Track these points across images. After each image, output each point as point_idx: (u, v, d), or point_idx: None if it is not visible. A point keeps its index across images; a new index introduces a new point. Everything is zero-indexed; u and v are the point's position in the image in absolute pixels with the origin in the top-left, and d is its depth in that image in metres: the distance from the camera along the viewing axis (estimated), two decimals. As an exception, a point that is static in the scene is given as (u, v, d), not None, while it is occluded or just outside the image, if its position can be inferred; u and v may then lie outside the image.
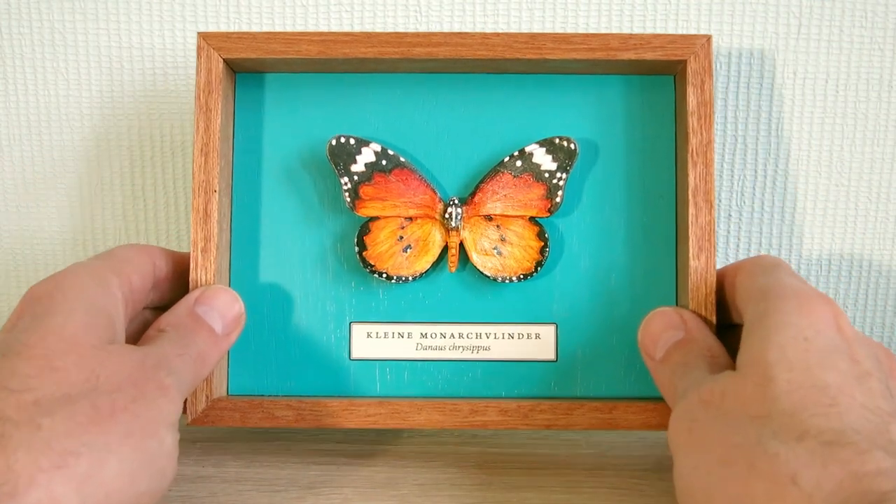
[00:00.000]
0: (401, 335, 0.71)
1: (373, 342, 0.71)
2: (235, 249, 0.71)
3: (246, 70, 0.70)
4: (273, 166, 0.71)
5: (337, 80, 0.70)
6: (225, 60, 0.67)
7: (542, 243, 0.69)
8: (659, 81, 0.70)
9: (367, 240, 0.69)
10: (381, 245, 0.69)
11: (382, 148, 0.69)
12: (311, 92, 0.71)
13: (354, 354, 0.71)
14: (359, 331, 0.71)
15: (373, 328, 0.71)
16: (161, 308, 0.64)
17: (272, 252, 0.71)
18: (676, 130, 0.70)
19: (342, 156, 0.69)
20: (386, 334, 0.71)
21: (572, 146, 0.68)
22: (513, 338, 0.71)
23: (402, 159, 0.69)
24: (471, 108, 0.71)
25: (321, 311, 0.71)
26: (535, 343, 0.70)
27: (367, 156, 0.69)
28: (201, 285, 0.65)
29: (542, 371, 0.70)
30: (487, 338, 0.71)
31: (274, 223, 0.71)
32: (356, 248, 0.69)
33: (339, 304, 0.71)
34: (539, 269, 0.69)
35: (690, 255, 0.66)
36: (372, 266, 0.69)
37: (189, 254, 0.67)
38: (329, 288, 0.71)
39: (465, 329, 0.71)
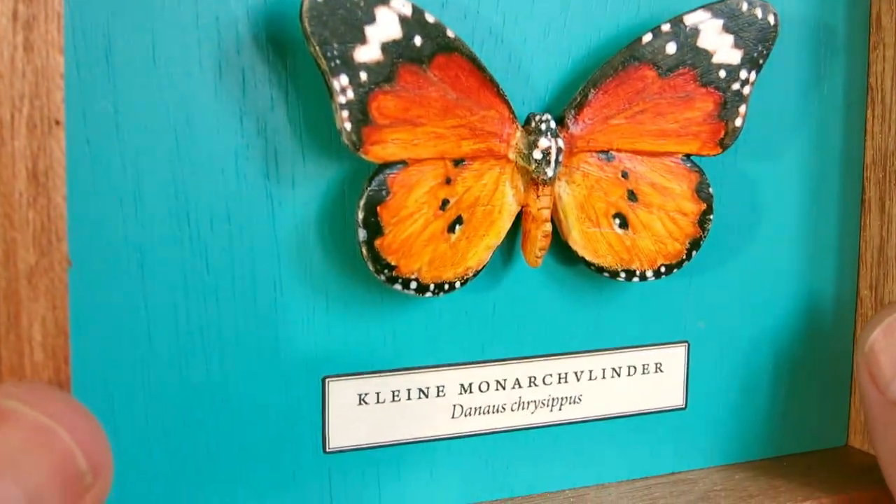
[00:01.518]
0: (424, 393, 0.34)
1: (370, 413, 0.33)
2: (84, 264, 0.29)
3: None
4: (164, 54, 0.30)
5: None
6: None
7: (704, 205, 0.35)
8: None
9: (383, 213, 0.31)
10: (412, 220, 0.32)
11: (416, 7, 0.30)
12: None
13: (333, 443, 0.33)
14: (341, 392, 0.33)
15: (369, 384, 0.33)
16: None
17: (169, 248, 0.31)
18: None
19: (339, 25, 0.29)
20: (396, 394, 0.34)
21: (770, 18, 0.34)
22: (619, 374, 0.37)
23: (450, 34, 0.31)
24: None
25: (264, 359, 0.33)
26: (654, 380, 0.37)
27: (387, 24, 0.30)
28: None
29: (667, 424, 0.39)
30: (579, 379, 0.37)
31: (168, 180, 0.31)
32: (362, 235, 0.31)
33: (301, 342, 0.33)
34: (695, 252, 0.36)
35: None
36: (393, 268, 0.31)
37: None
38: (283, 312, 0.33)
39: (542, 367, 0.36)
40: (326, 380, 0.34)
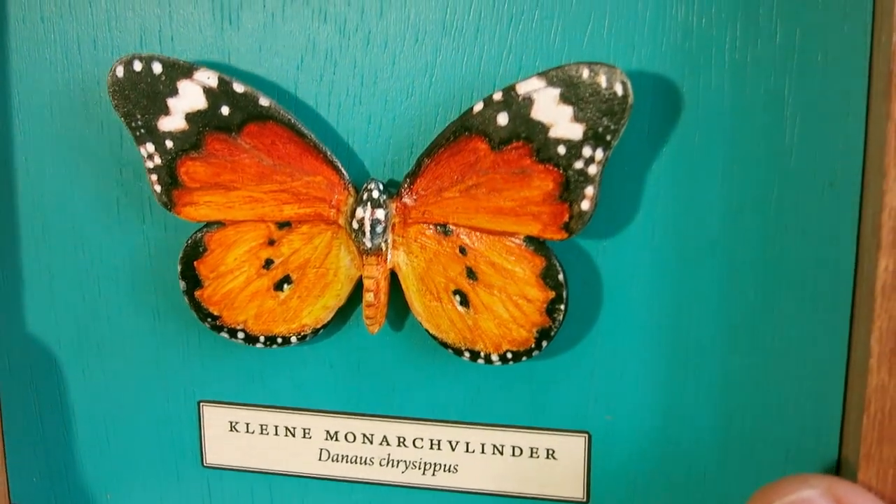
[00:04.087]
0: (290, 432, 0.36)
1: (241, 439, 0.36)
2: None
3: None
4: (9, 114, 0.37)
5: None
6: None
7: (551, 294, 0.31)
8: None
9: (200, 268, 0.33)
10: (232, 276, 0.34)
11: (222, 79, 0.31)
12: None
13: (210, 458, 0.37)
14: (215, 417, 0.36)
15: (241, 414, 0.36)
16: None
17: (32, 279, 0.38)
18: (872, 52, 0.29)
19: (140, 99, 0.32)
20: (265, 427, 0.36)
21: (618, 88, 0.29)
22: (502, 452, 0.34)
23: (264, 102, 0.32)
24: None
25: (144, 381, 0.38)
26: (546, 466, 0.34)
27: (190, 96, 0.32)
28: None
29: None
30: (454, 448, 0.35)
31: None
32: (182, 285, 0.34)
33: (176, 367, 0.38)
34: (545, 342, 0.32)
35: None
36: (216, 318, 0.34)
37: None
38: (152, 336, 0.38)
39: (414, 430, 0.35)
40: (201, 403, 0.38)
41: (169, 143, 0.33)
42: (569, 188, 0.31)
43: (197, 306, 0.35)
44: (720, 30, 0.31)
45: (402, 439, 0.36)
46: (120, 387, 0.38)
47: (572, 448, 0.35)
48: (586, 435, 0.35)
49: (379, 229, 0.32)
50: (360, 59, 0.33)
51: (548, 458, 0.35)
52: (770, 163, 0.31)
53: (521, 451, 0.35)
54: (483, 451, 0.36)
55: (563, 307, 0.32)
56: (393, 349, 0.35)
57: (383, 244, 0.33)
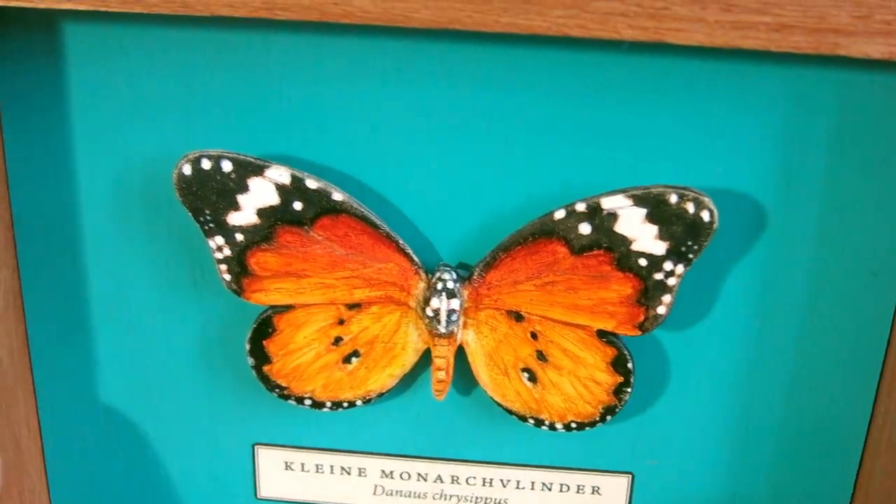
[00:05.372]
0: (346, 471, 0.38)
1: (296, 476, 0.38)
2: (37, 348, 0.38)
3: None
4: (89, 205, 0.36)
5: (206, 37, 0.29)
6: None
7: (620, 378, 0.34)
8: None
9: (269, 346, 0.34)
10: (301, 353, 0.35)
11: (295, 175, 0.31)
12: (158, 58, 0.33)
13: (264, 492, 0.39)
14: (270, 458, 0.38)
15: (295, 456, 0.38)
16: None
17: (112, 345, 0.38)
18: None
19: (208, 195, 0.31)
20: (320, 467, 0.38)
21: (705, 215, 0.30)
22: (550, 489, 0.38)
23: (337, 196, 0.32)
24: (486, 104, 0.32)
25: (200, 429, 0.39)
26: (591, 502, 0.38)
27: (262, 192, 0.32)
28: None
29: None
30: (505, 486, 0.38)
31: (105, 302, 0.37)
32: (250, 361, 0.34)
33: (231, 414, 0.39)
34: (609, 416, 0.34)
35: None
36: (283, 388, 0.35)
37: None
38: (214, 390, 0.39)
39: (467, 470, 0.38)
40: (256, 446, 0.39)
41: (239, 237, 0.33)
42: (647, 295, 0.32)
43: (265, 379, 0.35)
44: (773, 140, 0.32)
45: (455, 478, 0.38)
46: (175, 432, 0.38)
47: (616, 487, 0.38)
48: (630, 475, 0.38)
49: (454, 318, 0.34)
50: (428, 146, 0.33)
51: (593, 493, 0.38)
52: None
53: (569, 487, 0.38)
54: (532, 488, 0.38)
55: (629, 389, 0.34)
56: (450, 399, 0.37)
57: (455, 328, 0.34)
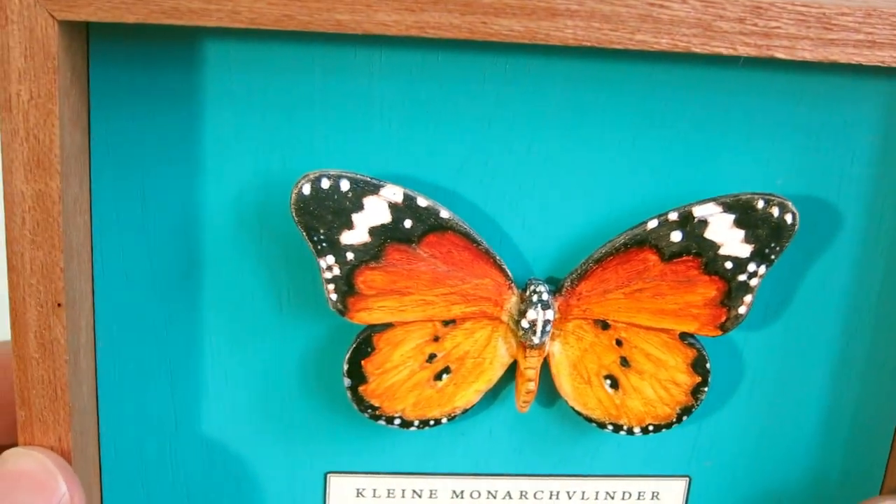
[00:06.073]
0: (417, 494, 0.39)
1: (368, 502, 0.39)
2: (105, 373, 0.37)
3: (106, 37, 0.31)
4: (179, 230, 0.36)
5: (310, 55, 0.31)
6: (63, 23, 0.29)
7: (698, 378, 0.36)
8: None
9: (367, 366, 0.35)
10: (397, 371, 0.36)
11: (407, 194, 0.32)
12: (271, 80, 0.34)
13: (334, 521, 0.39)
14: (342, 485, 0.38)
15: (366, 482, 0.38)
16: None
17: (181, 374, 0.38)
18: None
19: (326, 214, 0.32)
20: (391, 492, 0.39)
21: (788, 218, 0.33)
22: (613, 497, 0.40)
23: (445, 214, 0.34)
24: (576, 120, 0.35)
25: (273, 458, 0.39)
26: (650, 507, 0.40)
27: (376, 211, 0.33)
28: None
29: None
30: (571, 497, 0.40)
31: (181, 332, 0.37)
32: (347, 382, 0.35)
33: (303, 443, 0.39)
34: (685, 417, 0.37)
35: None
36: (375, 409, 0.36)
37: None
38: (290, 418, 0.39)
39: (535, 484, 0.39)
40: (328, 475, 0.39)
41: (349, 255, 0.34)
42: (730, 296, 0.35)
43: (359, 400, 0.36)
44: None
45: (523, 493, 0.40)
46: (249, 461, 0.38)
47: (674, 491, 0.40)
48: (687, 478, 0.40)
49: (548, 328, 0.36)
50: (518, 166, 0.35)
51: (652, 499, 0.40)
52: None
53: (630, 494, 0.40)
54: (597, 498, 0.40)
55: (706, 389, 0.37)
56: (516, 416, 0.39)
57: (547, 339, 0.36)
